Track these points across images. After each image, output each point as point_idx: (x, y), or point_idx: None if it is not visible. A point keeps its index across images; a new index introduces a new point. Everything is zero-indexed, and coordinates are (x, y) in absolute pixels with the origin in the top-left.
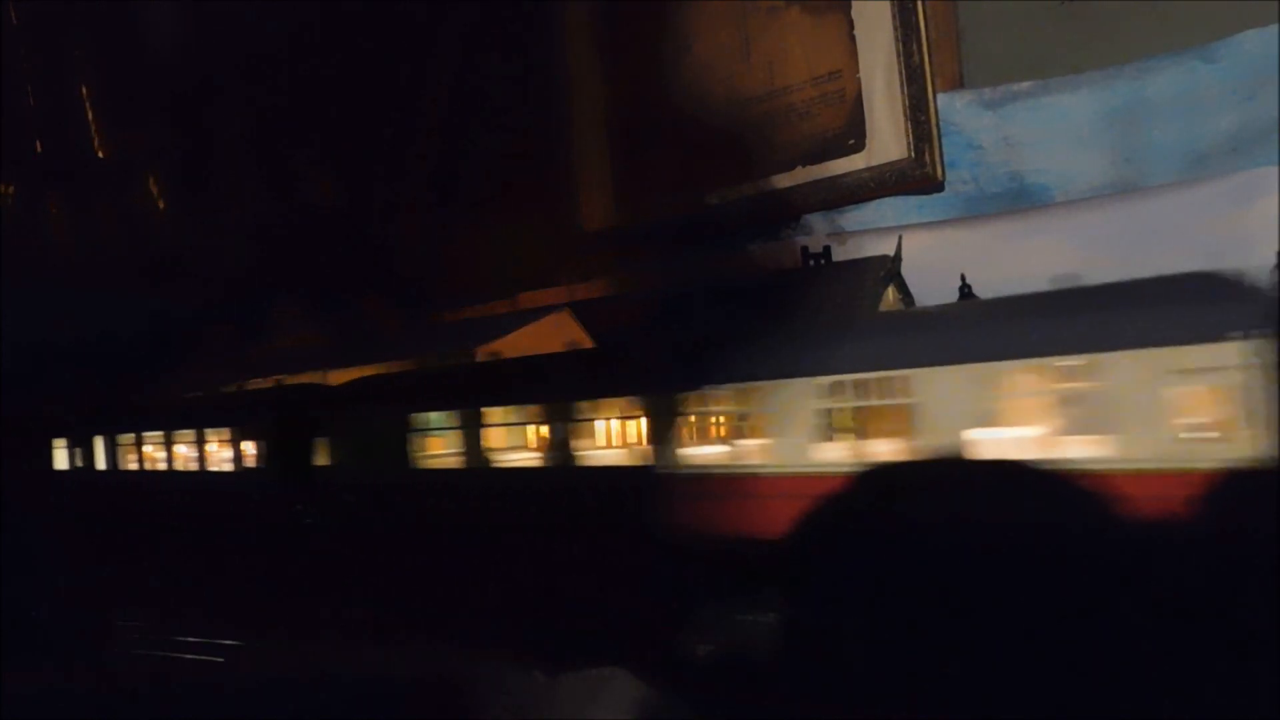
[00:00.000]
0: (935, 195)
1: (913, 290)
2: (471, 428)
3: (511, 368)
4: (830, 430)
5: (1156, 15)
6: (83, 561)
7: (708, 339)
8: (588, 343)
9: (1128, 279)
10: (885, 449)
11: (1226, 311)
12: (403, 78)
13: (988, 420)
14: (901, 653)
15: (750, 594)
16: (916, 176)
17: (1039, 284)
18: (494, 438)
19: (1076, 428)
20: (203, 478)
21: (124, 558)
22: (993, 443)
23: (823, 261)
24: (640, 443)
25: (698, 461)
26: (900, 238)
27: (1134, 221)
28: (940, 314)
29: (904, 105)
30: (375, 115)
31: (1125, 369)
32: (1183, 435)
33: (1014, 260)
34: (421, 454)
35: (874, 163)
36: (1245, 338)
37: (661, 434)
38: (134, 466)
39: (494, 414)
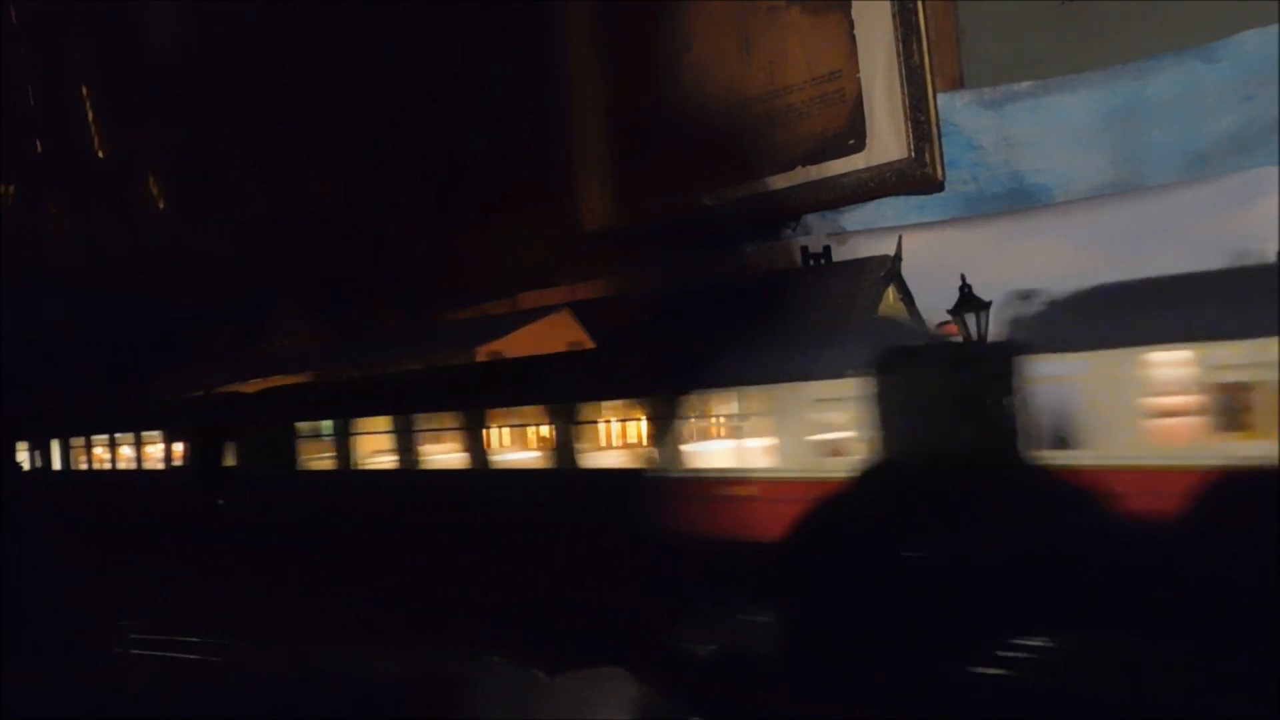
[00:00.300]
0: (935, 195)
1: (913, 290)
2: (342, 436)
3: (383, 382)
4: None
5: (1156, 15)
6: (44, 556)
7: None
8: (588, 342)
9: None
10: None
11: (849, 353)
12: (403, 78)
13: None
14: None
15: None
16: (916, 176)
17: (1038, 284)
18: (369, 442)
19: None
20: (139, 476)
21: (69, 549)
22: (699, 455)
23: (823, 261)
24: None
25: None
26: (900, 238)
27: (1134, 221)
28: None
29: (904, 105)
30: (376, 115)
31: (786, 398)
32: (816, 451)
33: (1014, 260)
34: (311, 457)
35: (874, 163)
36: (855, 375)
37: (473, 443)
38: (83, 467)
39: (363, 424)
